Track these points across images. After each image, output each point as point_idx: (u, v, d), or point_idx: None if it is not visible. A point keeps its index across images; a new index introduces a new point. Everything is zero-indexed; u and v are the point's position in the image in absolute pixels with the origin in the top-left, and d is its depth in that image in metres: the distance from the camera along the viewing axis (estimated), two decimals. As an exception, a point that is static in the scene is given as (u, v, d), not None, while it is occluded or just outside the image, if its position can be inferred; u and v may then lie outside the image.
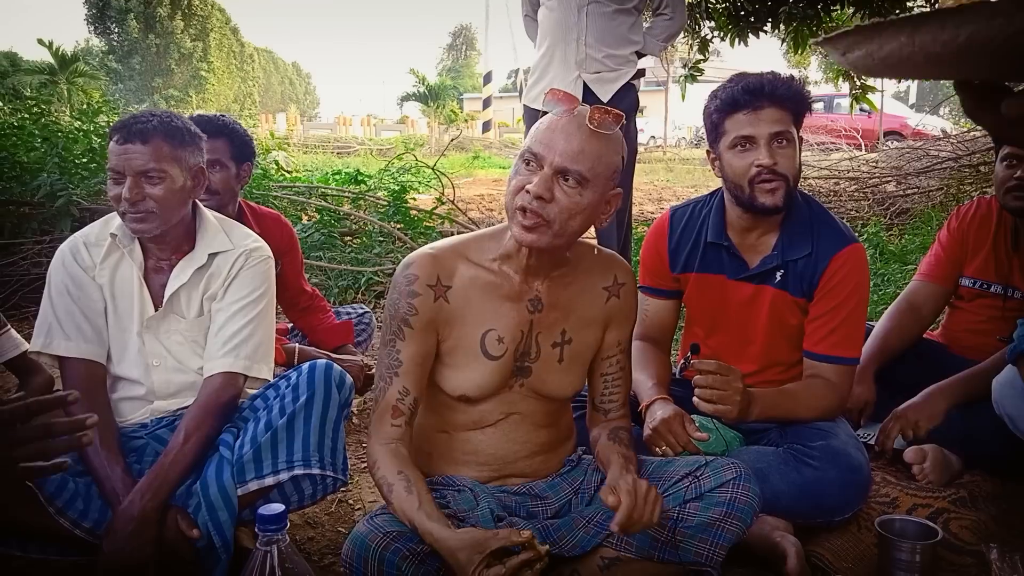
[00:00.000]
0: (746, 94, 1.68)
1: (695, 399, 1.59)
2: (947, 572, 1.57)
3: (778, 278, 1.80)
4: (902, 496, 1.83)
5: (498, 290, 1.38)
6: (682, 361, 1.62)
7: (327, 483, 1.56)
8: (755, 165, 1.68)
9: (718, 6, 5.65)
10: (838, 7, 5.28)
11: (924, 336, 2.31)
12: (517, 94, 23.54)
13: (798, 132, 1.74)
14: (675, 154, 17.41)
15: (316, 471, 1.47)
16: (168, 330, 1.61)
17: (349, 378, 1.57)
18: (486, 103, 21.48)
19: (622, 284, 1.47)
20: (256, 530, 0.94)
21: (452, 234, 5.22)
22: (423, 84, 33.43)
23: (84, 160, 4.60)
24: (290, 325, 2.64)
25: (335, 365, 1.57)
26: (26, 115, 4.91)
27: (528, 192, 1.25)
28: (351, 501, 1.98)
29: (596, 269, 1.46)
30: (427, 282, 1.35)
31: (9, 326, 2.00)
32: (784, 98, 1.68)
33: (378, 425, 1.37)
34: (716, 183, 1.89)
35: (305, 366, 1.54)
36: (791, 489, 1.63)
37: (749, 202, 1.72)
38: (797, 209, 1.80)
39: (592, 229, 1.89)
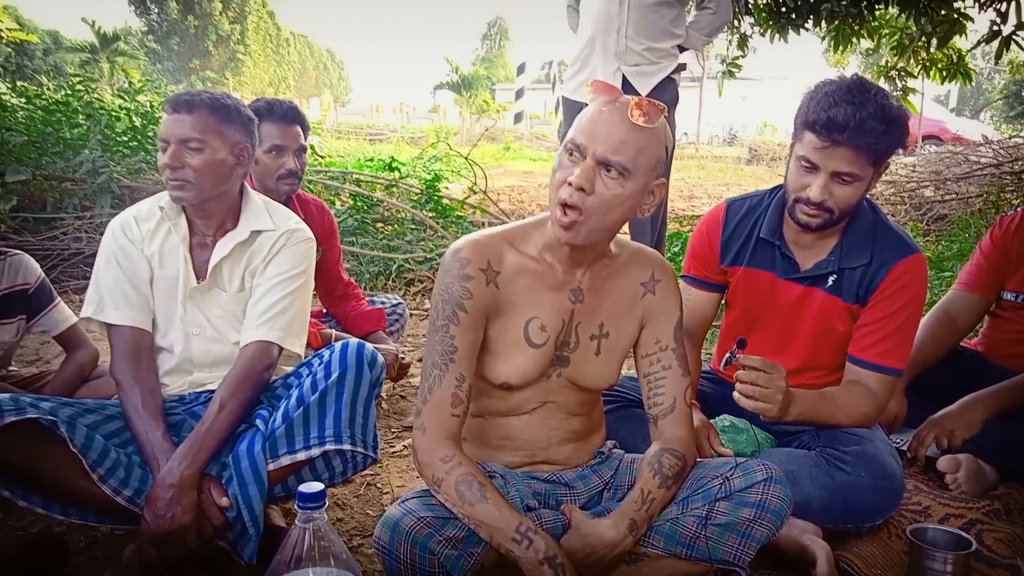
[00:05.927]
0: (825, 128, 1.56)
1: (735, 394, 1.57)
2: (979, 584, 1.55)
3: (830, 283, 1.77)
4: (935, 505, 1.81)
5: (542, 278, 1.38)
6: (727, 355, 1.59)
7: (357, 460, 1.60)
8: (806, 189, 1.65)
9: (759, 1, 5.57)
10: (882, 5, 5.18)
11: (963, 345, 2.27)
12: (550, 86, 23.42)
13: (877, 168, 1.63)
14: (708, 151, 17.23)
15: (347, 447, 1.49)
16: (210, 303, 1.65)
17: (381, 357, 1.59)
18: (518, 94, 21.39)
19: (658, 281, 1.46)
20: (296, 507, 0.95)
21: (484, 224, 5.28)
22: (456, 73, 33.38)
23: (125, 138, 4.69)
24: (324, 310, 2.67)
25: (367, 344, 1.59)
26: (69, 92, 5.00)
27: (570, 184, 1.26)
28: (379, 485, 2.01)
29: (635, 263, 1.46)
30: (479, 266, 1.34)
31: (59, 300, 2.08)
32: (864, 147, 1.56)
33: (435, 417, 1.29)
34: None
35: (337, 344, 1.57)
36: (823, 493, 1.62)
37: (789, 212, 1.73)
38: (862, 217, 1.77)
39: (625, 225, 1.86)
